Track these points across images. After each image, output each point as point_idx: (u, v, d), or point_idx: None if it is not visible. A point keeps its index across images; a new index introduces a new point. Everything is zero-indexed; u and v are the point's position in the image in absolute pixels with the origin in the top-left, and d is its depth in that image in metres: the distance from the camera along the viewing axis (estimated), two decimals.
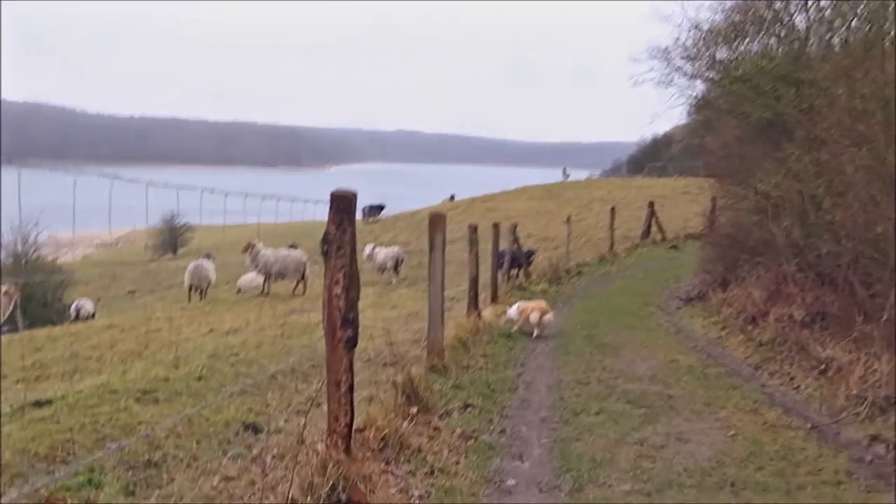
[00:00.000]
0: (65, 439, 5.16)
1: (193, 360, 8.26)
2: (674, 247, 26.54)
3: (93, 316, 22.82)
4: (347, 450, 4.80)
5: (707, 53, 17.67)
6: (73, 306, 24.55)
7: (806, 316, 9.85)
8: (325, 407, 4.75)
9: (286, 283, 20.55)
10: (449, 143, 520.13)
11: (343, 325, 4.74)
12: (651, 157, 78.98)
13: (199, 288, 21.28)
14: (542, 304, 12.06)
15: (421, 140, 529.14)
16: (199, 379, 7.27)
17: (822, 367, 8.16)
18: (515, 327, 11.58)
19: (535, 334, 11.44)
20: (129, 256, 52.25)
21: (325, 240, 4.72)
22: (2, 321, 15.39)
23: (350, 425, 4.81)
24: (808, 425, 6.39)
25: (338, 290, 4.72)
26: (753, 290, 12.29)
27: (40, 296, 32.14)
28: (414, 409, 6.38)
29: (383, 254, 23.20)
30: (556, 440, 6.03)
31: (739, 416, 6.72)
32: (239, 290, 20.95)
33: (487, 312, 12.19)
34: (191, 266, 21.52)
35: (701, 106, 22.25)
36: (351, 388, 4.79)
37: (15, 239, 33.96)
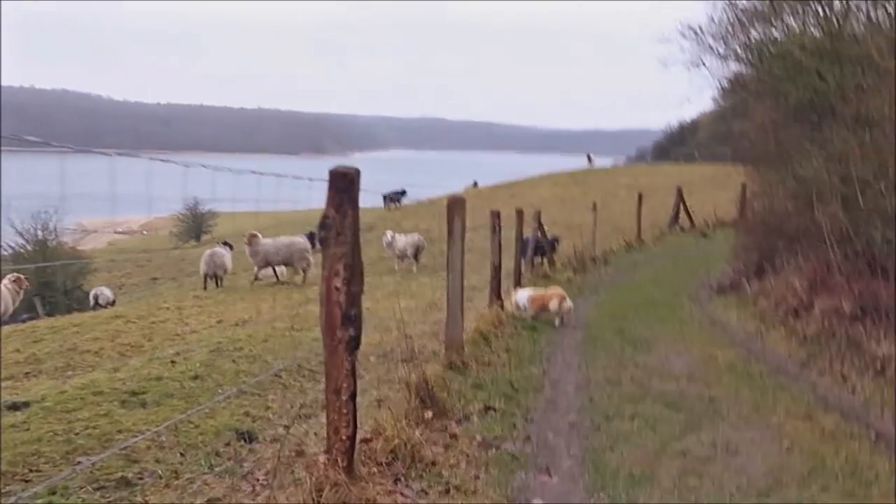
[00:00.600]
0: (31, 452, 4.57)
1: (194, 355, 7.67)
2: (703, 234, 25.71)
3: (113, 303, 22.43)
4: (349, 467, 4.17)
5: (742, 31, 16.81)
6: (91, 294, 24.19)
7: (856, 308, 9.09)
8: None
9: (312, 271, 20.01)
10: (473, 129, 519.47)
11: (344, 324, 4.10)
12: (677, 144, 77.81)
13: (216, 276, 20.78)
14: (558, 290, 11.44)
15: (445, 127, 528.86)
16: (196, 378, 6.66)
17: (879, 366, 7.44)
18: (530, 315, 10.97)
19: (557, 323, 10.84)
20: (153, 244, 52.09)
21: (323, 225, 4.08)
22: (10, 310, 14.91)
23: (353, 438, 4.18)
24: (873, 435, 5.68)
25: (338, 282, 4.08)
26: (794, 280, 11.52)
27: (60, 283, 31.94)
28: (429, 414, 5.76)
29: (403, 241, 22.55)
30: (587, 450, 5.37)
31: (792, 422, 6.01)
32: (256, 279, 20.43)
33: (510, 303, 11.52)
34: (206, 254, 20.98)
35: (734, 88, 21.40)
36: (353, 396, 4.16)
37: (34, 225, 33.70)
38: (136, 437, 4.75)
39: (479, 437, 5.49)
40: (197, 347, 8.28)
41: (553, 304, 10.97)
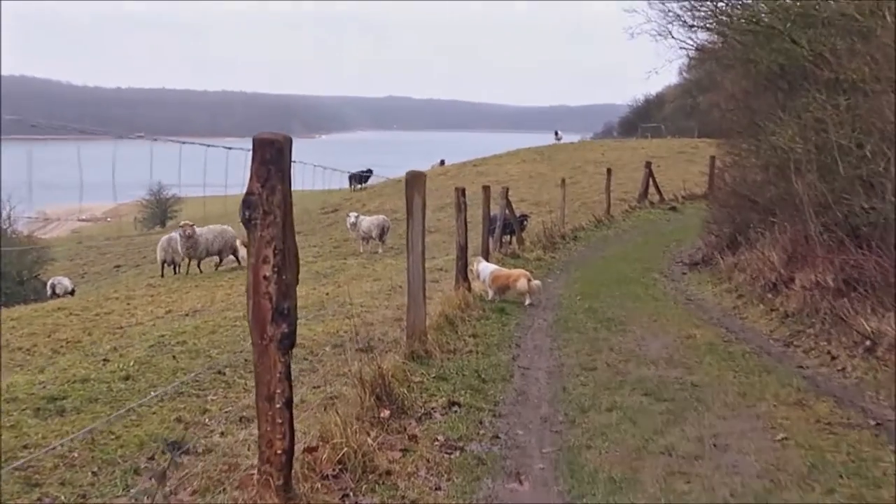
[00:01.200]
0: None
1: (131, 351, 7.01)
2: (672, 208, 25.32)
3: (72, 293, 21.59)
4: (286, 485, 3.58)
5: None
6: (49, 283, 23.30)
7: (839, 281, 8.63)
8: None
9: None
10: (440, 108, 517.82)
11: (275, 320, 3.48)
12: (644, 119, 77.55)
13: (174, 262, 19.98)
14: (523, 271, 10.97)
15: (412, 107, 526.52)
16: (127, 378, 5.98)
17: (869, 343, 6.97)
18: (490, 297, 10.49)
19: (526, 303, 10.37)
20: (118, 231, 50.81)
21: (247, 203, 3.45)
22: None
23: (289, 451, 3.58)
24: (872, 422, 5.19)
25: (266, 271, 3.46)
26: (771, 253, 11.07)
27: (15, 272, 30.86)
28: (385, 413, 5.18)
29: (367, 222, 21.85)
30: (561, 449, 4.82)
31: (784, 410, 5.49)
32: (200, 270, 19.65)
33: (478, 284, 10.97)
34: (162, 240, 20.14)
35: (701, 58, 20.95)
36: (289, 403, 3.56)
37: None
38: (41, 452, 4.09)
39: (441, 438, 4.92)
40: (137, 342, 7.61)
41: (521, 284, 10.49)
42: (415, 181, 7.18)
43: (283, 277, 3.50)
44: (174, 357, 6.86)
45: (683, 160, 36.72)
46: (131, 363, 6.44)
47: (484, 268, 11.03)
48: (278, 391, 3.53)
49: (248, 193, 3.44)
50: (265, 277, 3.47)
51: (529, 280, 10.65)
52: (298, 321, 3.59)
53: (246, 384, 5.91)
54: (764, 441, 4.84)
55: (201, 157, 4.56)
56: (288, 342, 3.52)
